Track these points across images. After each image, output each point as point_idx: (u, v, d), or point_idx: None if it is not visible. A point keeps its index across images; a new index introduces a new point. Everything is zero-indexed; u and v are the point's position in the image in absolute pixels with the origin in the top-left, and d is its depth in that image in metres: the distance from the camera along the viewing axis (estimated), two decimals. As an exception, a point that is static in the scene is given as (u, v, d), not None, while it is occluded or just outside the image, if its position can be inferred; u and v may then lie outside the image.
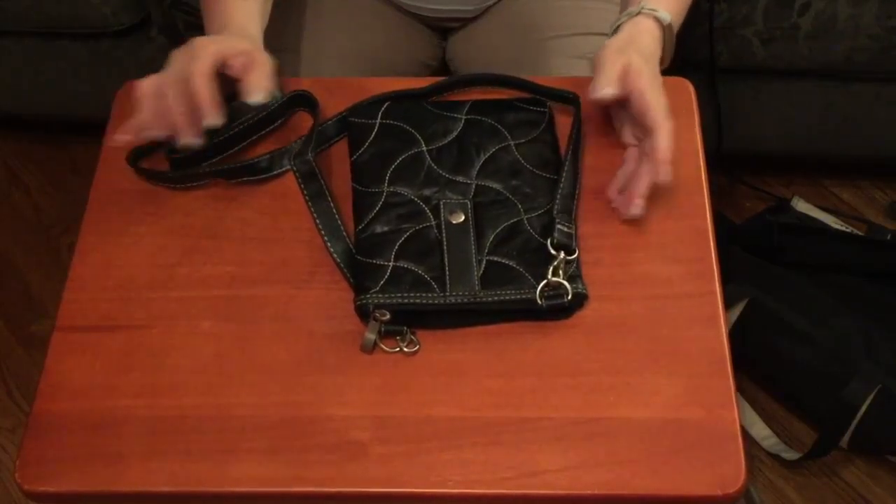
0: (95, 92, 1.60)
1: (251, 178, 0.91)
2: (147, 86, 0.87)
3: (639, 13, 0.92)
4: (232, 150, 0.92)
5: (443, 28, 1.21)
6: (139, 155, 0.93)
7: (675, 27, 0.94)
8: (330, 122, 0.93)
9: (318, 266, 0.86)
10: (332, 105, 0.94)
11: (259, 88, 0.88)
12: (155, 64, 1.64)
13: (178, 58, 0.87)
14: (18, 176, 1.81)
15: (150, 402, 0.80)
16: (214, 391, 0.80)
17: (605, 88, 0.86)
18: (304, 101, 0.94)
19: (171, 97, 0.85)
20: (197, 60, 0.85)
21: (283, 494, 0.76)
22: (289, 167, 0.91)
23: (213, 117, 0.85)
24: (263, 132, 0.94)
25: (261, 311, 0.84)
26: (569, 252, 0.83)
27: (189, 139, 0.86)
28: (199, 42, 0.88)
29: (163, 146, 0.92)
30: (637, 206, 0.84)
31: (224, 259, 0.87)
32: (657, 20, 0.92)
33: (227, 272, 0.86)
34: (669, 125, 0.84)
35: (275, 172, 0.91)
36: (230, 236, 0.88)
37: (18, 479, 0.77)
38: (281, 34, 0.94)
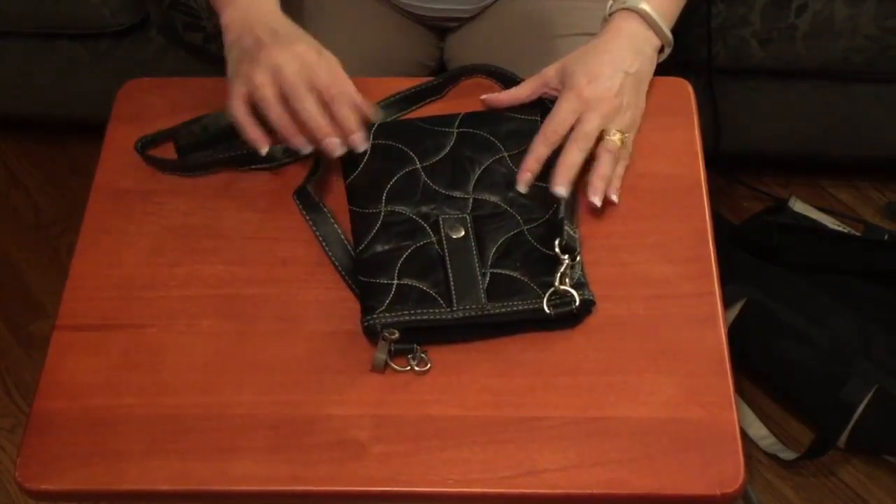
0: (95, 92, 1.59)
1: (261, 167, 0.91)
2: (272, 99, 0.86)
3: (619, 10, 0.95)
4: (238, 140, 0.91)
5: (441, 28, 1.21)
6: (146, 144, 0.93)
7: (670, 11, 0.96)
8: None
9: (318, 266, 0.86)
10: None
11: (364, 141, 0.89)
12: (154, 64, 1.64)
13: (287, 63, 0.86)
14: (18, 176, 1.80)
15: (150, 400, 0.80)
16: (214, 390, 0.80)
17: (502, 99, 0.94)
18: None
19: (310, 110, 0.86)
20: (324, 72, 0.87)
21: (283, 493, 0.77)
22: (292, 160, 0.91)
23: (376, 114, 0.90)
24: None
25: (260, 311, 0.84)
26: (572, 256, 0.83)
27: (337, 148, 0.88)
28: (306, 53, 0.87)
29: (170, 135, 0.93)
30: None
31: (224, 258, 0.87)
32: (633, 11, 0.94)
33: (226, 271, 0.86)
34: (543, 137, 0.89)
35: (283, 161, 0.92)
36: (230, 236, 0.89)
37: (18, 477, 0.77)
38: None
